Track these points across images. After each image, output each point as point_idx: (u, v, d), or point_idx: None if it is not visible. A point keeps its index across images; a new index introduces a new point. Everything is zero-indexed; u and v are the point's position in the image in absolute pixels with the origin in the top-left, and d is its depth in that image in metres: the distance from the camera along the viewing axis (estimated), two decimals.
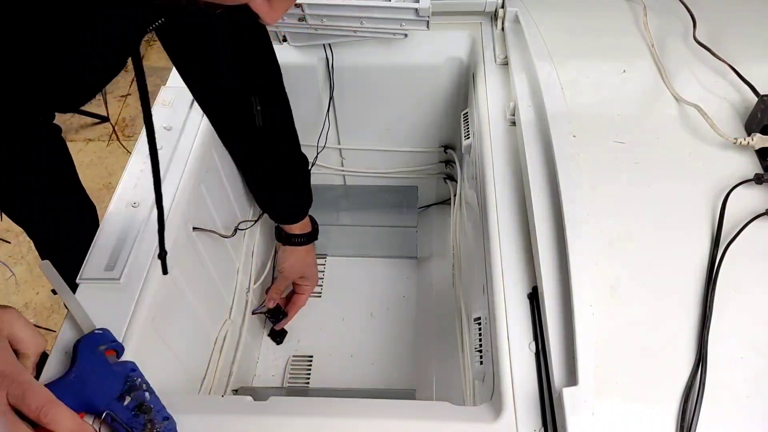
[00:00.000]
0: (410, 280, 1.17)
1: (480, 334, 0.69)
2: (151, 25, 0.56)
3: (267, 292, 1.06)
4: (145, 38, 0.60)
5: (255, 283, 1.03)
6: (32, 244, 1.00)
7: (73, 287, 0.62)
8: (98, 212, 1.00)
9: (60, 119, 0.96)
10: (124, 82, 2.03)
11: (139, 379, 0.53)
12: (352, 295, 1.15)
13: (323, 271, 1.19)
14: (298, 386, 1.03)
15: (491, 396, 0.57)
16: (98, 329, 0.57)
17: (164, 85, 0.88)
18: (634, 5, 0.88)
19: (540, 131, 0.71)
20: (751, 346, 0.52)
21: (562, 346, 0.53)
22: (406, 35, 0.89)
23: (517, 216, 0.67)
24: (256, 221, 1.04)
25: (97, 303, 0.61)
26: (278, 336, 1.08)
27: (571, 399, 0.49)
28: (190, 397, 0.75)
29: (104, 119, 1.89)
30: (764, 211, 0.60)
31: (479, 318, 0.71)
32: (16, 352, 0.49)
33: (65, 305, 0.59)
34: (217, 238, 0.88)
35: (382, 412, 0.56)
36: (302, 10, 0.84)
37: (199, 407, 0.57)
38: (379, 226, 1.25)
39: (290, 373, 1.04)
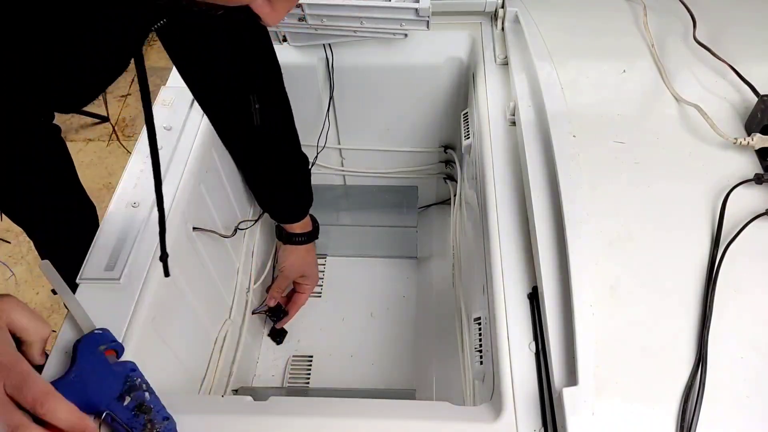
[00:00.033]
0: (410, 280, 1.17)
1: (480, 334, 0.69)
2: (153, 25, 0.56)
3: (267, 290, 1.06)
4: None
5: (255, 283, 1.03)
6: (32, 244, 1.00)
7: (73, 287, 0.62)
8: (98, 212, 1.00)
9: (60, 119, 0.96)
10: (124, 82, 2.03)
11: (139, 379, 0.53)
12: (352, 295, 1.15)
13: (323, 271, 1.19)
14: (298, 386, 1.03)
15: (491, 396, 0.57)
16: (98, 329, 0.57)
17: (164, 85, 0.88)
18: (634, 5, 0.88)
19: (540, 131, 0.71)
20: (751, 346, 0.52)
21: (562, 346, 0.53)
22: (406, 35, 0.89)
23: (517, 216, 0.67)
24: (256, 221, 1.04)
25: (97, 303, 0.61)
26: (278, 336, 1.08)
27: (571, 399, 0.49)
28: (190, 397, 0.75)
29: (104, 119, 1.89)
30: (764, 211, 0.60)
31: (479, 318, 0.71)
32: (19, 341, 0.48)
33: (65, 305, 0.59)
34: (217, 238, 0.88)
35: (382, 412, 0.56)
36: (302, 10, 0.84)
37: (199, 407, 0.57)
38: (379, 226, 1.25)
39: (290, 373, 1.04)
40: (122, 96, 2.01)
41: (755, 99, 0.69)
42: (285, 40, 0.95)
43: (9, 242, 1.58)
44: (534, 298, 0.59)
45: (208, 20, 0.67)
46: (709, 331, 0.52)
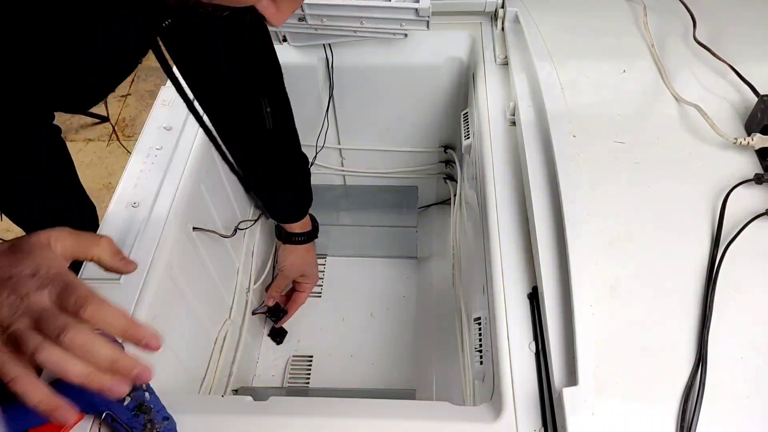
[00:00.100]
0: (410, 280, 1.17)
1: (480, 334, 0.69)
2: (157, 25, 0.56)
3: (267, 290, 1.06)
4: None
5: (255, 283, 1.03)
6: None
7: None
8: (98, 212, 1.00)
9: (60, 119, 0.96)
10: (124, 82, 2.03)
11: None
12: (352, 295, 1.15)
13: (323, 271, 1.19)
14: (298, 386, 1.03)
15: (491, 396, 0.57)
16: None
17: (164, 85, 0.88)
18: (634, 5, 0.88)
19: (540, 131, 0.71)
20: (751, 346, 0.52)
21: (562, 346, 0.53)
22: (406, 35, 0.89)
23: (517, 216, 0.67)
24: (256, 221, 1.04)
25: None
26: (278, 336, 1.08)
27: (571, 399, 0.49)
28: (190, 397, 0.75)
29: (104, 119, 1.89)
30: (764, 211, 0.60)
31: (479, 318, 0.71)
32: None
33: None
34: (217, 238, 0.88)
35: (382, 412, 0.56)
36: (302, 10, 0.84)
37: (199, 407, 0.57)
38: (379, 226, 1.25)
39: (290, 373, 1.04)
40: (122, 96, 2.01)
41: (755, 99, 0.69)
42: (285, 40, 0.95)
43: None
44: (534, 298, 0.59)
45: (210, 20, 0.67)
46: (709, 331, 0.52)
